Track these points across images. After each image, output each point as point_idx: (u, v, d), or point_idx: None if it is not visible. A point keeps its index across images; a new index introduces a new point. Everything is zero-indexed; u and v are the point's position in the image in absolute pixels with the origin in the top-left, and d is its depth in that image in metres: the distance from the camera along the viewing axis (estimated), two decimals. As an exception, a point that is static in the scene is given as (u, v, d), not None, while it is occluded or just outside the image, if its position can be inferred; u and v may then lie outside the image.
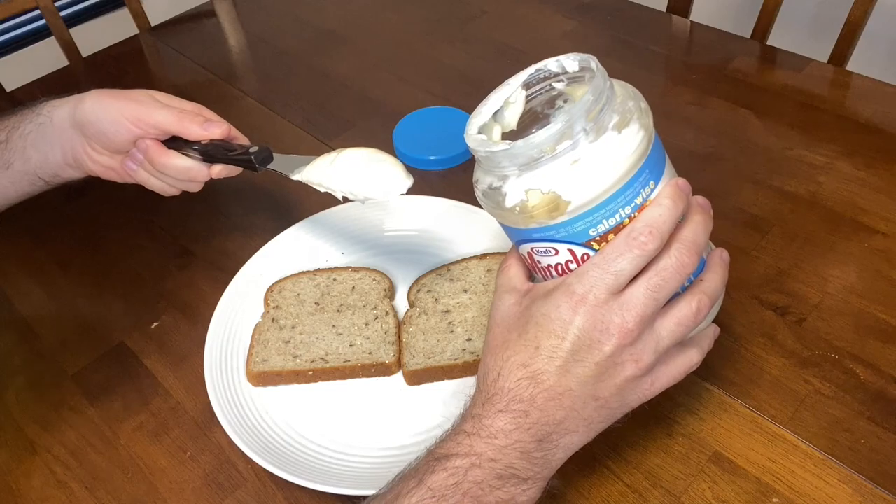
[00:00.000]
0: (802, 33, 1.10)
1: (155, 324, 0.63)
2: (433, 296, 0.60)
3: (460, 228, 0.66)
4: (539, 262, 0.46)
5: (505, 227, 0.47)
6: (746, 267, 0.61)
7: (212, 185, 0.78)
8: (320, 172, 0.56)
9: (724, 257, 0.47)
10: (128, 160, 0.61)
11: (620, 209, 0.42)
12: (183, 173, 0.61)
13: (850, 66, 0.91)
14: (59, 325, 0.64)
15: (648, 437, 0.51)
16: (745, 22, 1.00)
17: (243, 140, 0.62)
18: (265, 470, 0.50)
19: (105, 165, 0.63)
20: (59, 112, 0.61)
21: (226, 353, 0.58)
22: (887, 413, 0.51)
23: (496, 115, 0.48)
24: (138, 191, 0.77)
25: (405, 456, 0.51)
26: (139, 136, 0.59)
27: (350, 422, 0.54)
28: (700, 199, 0.45)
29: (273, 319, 0.60)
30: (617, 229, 0.42)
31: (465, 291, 0.60)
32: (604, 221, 0.42)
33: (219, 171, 0.61)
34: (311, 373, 0.56)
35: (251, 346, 0.58)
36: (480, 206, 0.66)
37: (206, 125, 0.59)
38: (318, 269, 0.64)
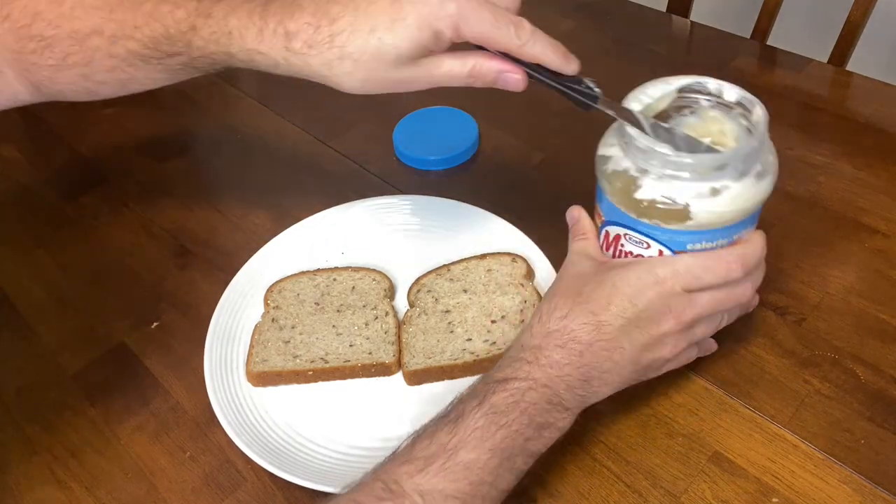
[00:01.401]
0: (802, 33, 1.09)
1: (155, 324, 0.63)
2: (433, 296, 0.60)
3: (460, 228, 0.66)
4: (623, 246, 0.50)
5: (608, 203, 0.50)
6: (746, 267, 0.61)
7: (212, 184, 0.79)
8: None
9: (753, 302, 0.53)
10: None
11: (721, 239, 0.48)
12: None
13: (850, 66, 0.91)
14: (59, 325, 0.64)
15: (648, 437, 0.51)
16: (745, 22, 1.00)
17: None
18: (265, 470, 0.50)
19: None
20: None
21: (226, 353, 0.58)
22: (887, 413, 0.51)
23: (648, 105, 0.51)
24: (138, 191, 0.77)
25: (405, 456, 0.51)
26: None
27: (350, 422, 0.54)
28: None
29: (273, 319, 0.60)
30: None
31: (465, 291, 0.60)
32: (703, 243, 0.48)
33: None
34: (311, 373, 0.56)
35: (251, 346, 0.58)
36: (481, 207, 0.67)
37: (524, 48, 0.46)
38: (318, 269, 0.64)
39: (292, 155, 0.80)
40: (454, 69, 0.47)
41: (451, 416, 0.44)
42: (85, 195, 0.76)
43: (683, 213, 0.46)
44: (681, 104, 0.51)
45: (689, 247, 0.48)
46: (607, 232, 0.51)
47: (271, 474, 0.50)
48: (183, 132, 0.86)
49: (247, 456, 0.50)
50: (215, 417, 0.53)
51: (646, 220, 0.48)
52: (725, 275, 0.47)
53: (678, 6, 1.05)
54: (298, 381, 0.56)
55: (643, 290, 0.46)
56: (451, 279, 0.61)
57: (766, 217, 0.66)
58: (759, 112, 0.48)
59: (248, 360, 0.57)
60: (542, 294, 0.58)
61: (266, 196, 0.74)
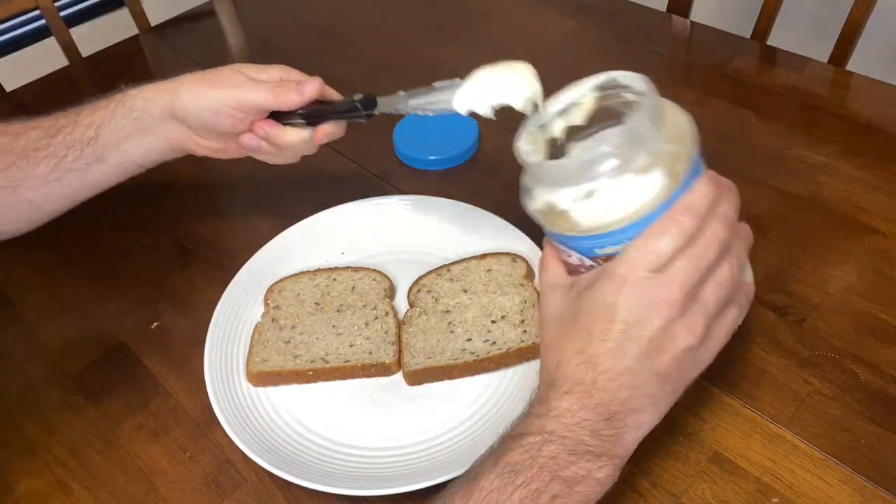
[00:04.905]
0: (802, 33, 1.10)
1: (155, 324, 0.63)
2: (433, 296, 0.60)
3: (460, 228, 0.66)
4: (562, 255, 0.49)
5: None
6: (746, 267, 0.61)
7: (212, 184, 0.78)
8: (435, 98, 0.55)
9: (744, 230, 0.48)
10: (245, 139, 0.61)
11: (627, 241, 0.44)
12: (301, 146, 0.61)
13: (850, 66, 0.91)
14: (60, 325, 0.64)
15: (648, 437, 0.51)
16: (745, 22, 1.00)
17: (336, 95, 0.61)
18: (265, 470, 0.50)
19: (213, 148, 0.62)
20: (156, 105, 0.60)
21: (226, 353, 0.58)
22: (887, 413, 0.51)
23: (565, 111, 0.49)
24: (138, 191, 0.77)
25: (405, 456, 0.51)
26: (242, 120, 0.59)
27: (350, 422, 0.54)
28: (725, 180, 0.47)
29: (273, 319, 0.60)
30: None
31: (465, 291, 0.60)
32: (609, 247, 0.44)
33: (323, 135, 0.60)
34: (311, 373, 0.56)
35: (251, 346, 0.58)
36: (481, 207, 0.67)
37: (301, 89, 0.58)
38: (318, 269, 0.64)
39: (292, 155, 0.80)
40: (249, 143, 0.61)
41: (469, 475, 0.42)
42: (85, 195, 0.76)
43: (565, 219, 0.44)
44: (611, 104, 0.49)
45: (597, 251, 0.45)
46: (546, 240, 0.51)
47: (271, 474, 0.50)
48: (183, 132, 0.86)
49: (247, 456, 0.50)
50: (215, 417, 0.53)
51: (549, 229, 0.47)
52: (679, 230, 0.43)
53: (678, 6, 1.05)
54: (298, 381, 0.56)
55: (611, 300, 0.43)
56: (451, 279, 0.61)
57: (766, 217, 0.66)
58: (644, 101, 0.44)
59: (248, 359, 0.57)
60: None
61: (266, 196, 0.74)
